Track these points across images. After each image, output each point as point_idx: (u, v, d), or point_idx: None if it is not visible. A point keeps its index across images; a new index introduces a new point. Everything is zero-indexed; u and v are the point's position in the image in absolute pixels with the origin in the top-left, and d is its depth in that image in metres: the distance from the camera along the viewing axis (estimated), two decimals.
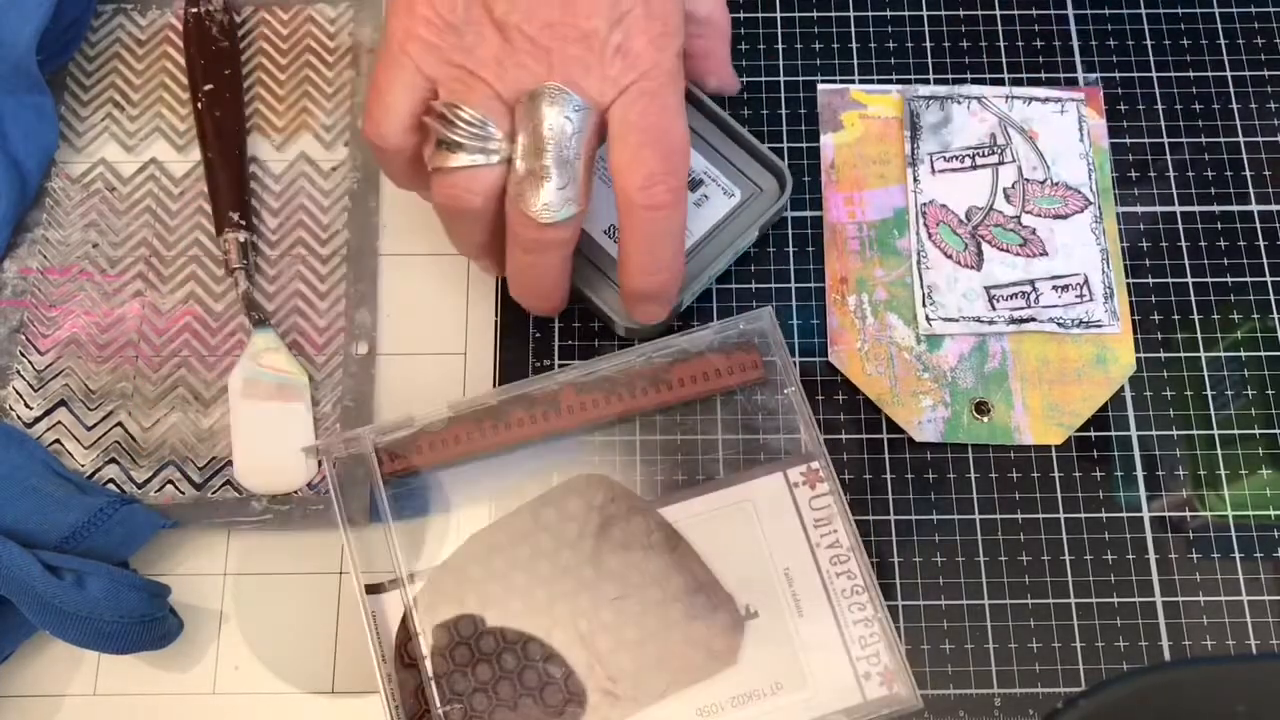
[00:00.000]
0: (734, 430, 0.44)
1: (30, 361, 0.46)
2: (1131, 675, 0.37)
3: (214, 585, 0.43)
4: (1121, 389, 0.46)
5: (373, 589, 0.42)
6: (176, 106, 0.50)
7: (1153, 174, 0.49)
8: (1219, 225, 0.48)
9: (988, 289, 0.46)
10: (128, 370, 0.46)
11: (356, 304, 0.47)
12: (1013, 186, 0.48)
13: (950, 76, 0.50)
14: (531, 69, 0.38)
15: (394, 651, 0.41)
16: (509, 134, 0.38)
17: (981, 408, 0.45)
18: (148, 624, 0.40)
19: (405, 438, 0.43)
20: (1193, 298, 0.47)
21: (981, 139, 0.49)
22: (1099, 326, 0.46)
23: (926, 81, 0.50)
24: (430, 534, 0.43)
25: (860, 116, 0.49)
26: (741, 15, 0.51)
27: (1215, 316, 0.47)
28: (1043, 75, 0.50)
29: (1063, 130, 0.49)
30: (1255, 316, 0.47)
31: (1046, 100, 0.49)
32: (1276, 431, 0.45)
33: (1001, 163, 0.48)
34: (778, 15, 0.51)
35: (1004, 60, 0.50)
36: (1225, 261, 0.47)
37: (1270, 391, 0.45)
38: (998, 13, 0.51)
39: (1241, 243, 0.48)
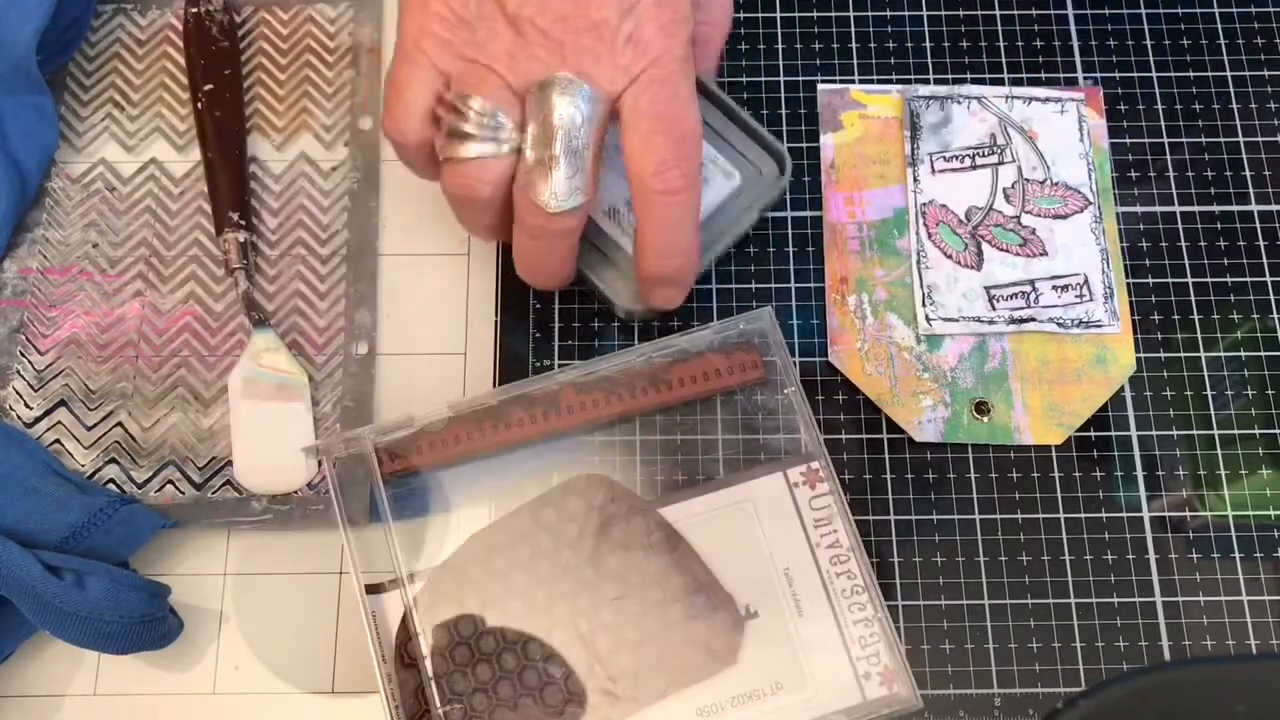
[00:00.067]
0: (734, 430, 0.44)
1: (30, 361, 0.46)
2: (1131, 675, 0.37)
3: (214, 585, 0.43)
4: (1121, 389, 0.46)
5: (373, 589, 0.42)
6: (176, 106, 0.50)
7: (1152, 174, 0.49)
8: (1219, 225, 0.48)
9: (988, 289, 0.46)
10: (128, 370, 0.46)
11: (356, 304, 0.47)
12: (1013, 186, 0.48)
13: (950, 76, 0.50)
14: (544, 61, 0.38)
15: (394, 651, 0.41)
16: (519, 123, 0.39)
17: (981, 408, 0.45)
18: (148, 624, 0.40)
19: (405, 438, 0.43)
20: (1193, 298, 0.47)
21: (981, 139, 0.49)
22: (1099, 326, 0.46)
23: (926, 81, 0.50)
24: (430, 534, 0.43)
25: (860, 116, 0.49)
26: (741, 15, 0.51)
27: (1215, 316, 0.47)
28: (1043, 75, 0.50)
29: (1063, 130, 0.49)
30: (1255, 316, 0.47)
31: (1046, 100, 0.49)
32: (1276, 431, 0.45)
33: (1001, 163, 0.48)
34: (778, 15, 0.51)
35: (1004, 60, 0.50)
36: (1225, 261, 0.47)
37: (1270, 391, 0.45)
38: (998, 13, 0.51)
39: (1241, 243, 0.48)
